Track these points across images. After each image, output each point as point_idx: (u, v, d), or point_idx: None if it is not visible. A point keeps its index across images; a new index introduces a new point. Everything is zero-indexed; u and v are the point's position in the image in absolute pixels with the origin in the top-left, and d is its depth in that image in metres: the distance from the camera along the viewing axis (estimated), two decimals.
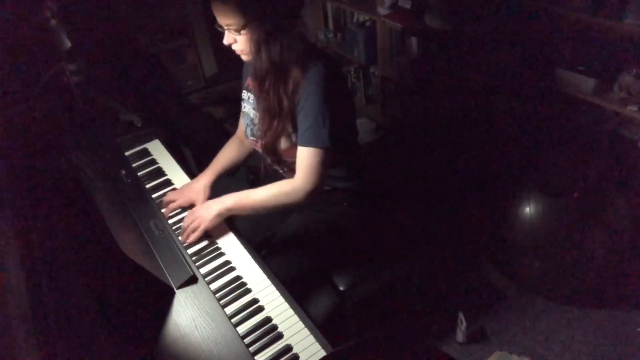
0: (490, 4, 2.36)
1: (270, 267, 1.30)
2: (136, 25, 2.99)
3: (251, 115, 1.48)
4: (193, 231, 1.36)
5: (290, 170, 1.43)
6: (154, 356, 1.06)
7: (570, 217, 1.76)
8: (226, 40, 1.29)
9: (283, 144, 1.39)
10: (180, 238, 1.38)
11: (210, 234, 1.39)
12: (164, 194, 1.57)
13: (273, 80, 1.29)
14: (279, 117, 1.33)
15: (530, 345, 1.85)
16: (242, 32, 1.23)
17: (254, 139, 1.49)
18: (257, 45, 1.24)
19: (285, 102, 1.30)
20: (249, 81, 1.48)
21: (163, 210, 1.49)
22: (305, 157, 1.29)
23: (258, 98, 1.38)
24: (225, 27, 1.26)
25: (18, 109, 1.76)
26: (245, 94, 1.53)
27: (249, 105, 1.50)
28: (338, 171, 1.47)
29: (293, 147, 1.36)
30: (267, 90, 1.31)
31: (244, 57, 1.34)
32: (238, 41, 1.27)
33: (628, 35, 2.04)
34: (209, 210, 1.36)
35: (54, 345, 0.83)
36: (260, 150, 1.45)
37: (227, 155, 1.63)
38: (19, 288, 0.91)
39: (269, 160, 1.46)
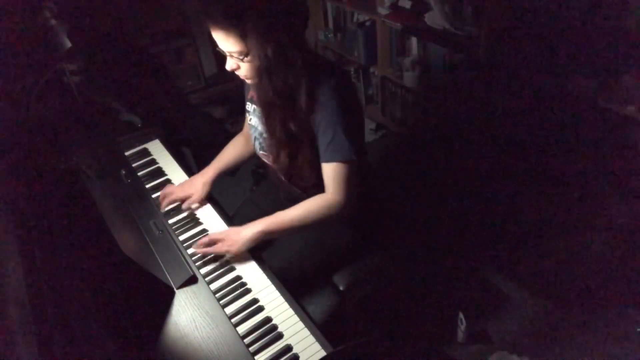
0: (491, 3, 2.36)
1: (270, 267, 1.30)
2: (136, 25, 3.00)
3: (259, 128, 1.44)
4: (221, 252, 1.30)
5: (301, 181, 1.40)
6: (154, 356, 1.06)
7: (570, 218, 1.76)
8: (229, 67, 1.25)
9: (299, 165, 1.35)
10: (195, 248, 1.32)
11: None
12: None
13: (279, 108, 1.25)
14: (287, 145, 1.30)
15: (530, 345, 1.85)
16: (245, 59, 1.19)
17: (264, 153, 1.45)
18: (259, 74, 1.20)
19: (294, 129, 1.26)
20: (252, 93, 1.45)
21: (159, 196, 1.49)
22: (333, 173, 1.26)
23: (265, 125, 1.33)
24: (227, 54, 1.22)
25: (18, 109, 1.76)
26: (249, 106, 1.49)
27: (255, 118, 1.46)
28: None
29: (306, 164, 1.33)
30: (274, 118, 1.27)
31: (249, 82, 1.31)
32: (241, 67, 1.23)
33: (628, 35, 2.04)
34: (240, 237, 1.29)
35: (53, 345, 0.83)
36: (273, 166, 1.43)
37: (231, 152, 1.62)
38: (19, 288, 0.91)
39: (283, 179, 1.43)
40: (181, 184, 1.54)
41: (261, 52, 1.14)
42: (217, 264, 1.31)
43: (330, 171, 1.27)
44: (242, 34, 1.14)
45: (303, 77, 1.19)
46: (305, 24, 1.22)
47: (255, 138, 1.48)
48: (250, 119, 1.49)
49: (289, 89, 1.21)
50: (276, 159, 1.36)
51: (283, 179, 1.44)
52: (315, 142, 1.28)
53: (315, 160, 1.30)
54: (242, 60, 1.20)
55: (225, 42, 1.17)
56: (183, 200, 1.50)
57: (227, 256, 1.31)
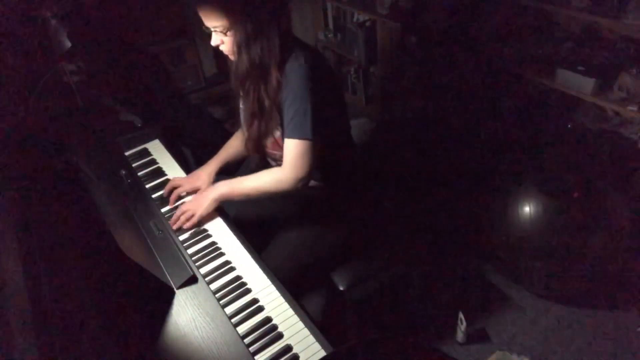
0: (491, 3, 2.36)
1: (270, 266, 1.30)
2: (136, 25, 2.99)
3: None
4: (188, 219, 1.41)
5: (279, 161, 1.46)
6: (154, 356, 1.06)
7: (570, 217, 1.76)
8: (213, 42, 1.33)
9: (268, 141, 1.44)
10: (170, 223, 1.43)
11: (206, 229, 1.43)
12: (164, 194, 1.57)
13: (254, 81, 1.33)
14: (260, 117, 1.38)
15: (530, 345, 1.85)
16: (228, 33, 1.28)
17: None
18: (239, 47, 1.28)
19: (267, 103, 1.34)
20: None
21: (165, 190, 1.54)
22: (290, 149, 1.32)
23: (242, 98, 1.42)
24: (212, 29, 1.30)
25: (18, 109, 1.76)
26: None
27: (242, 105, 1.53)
28: (329, 165, 1.49)
29: (276, 143, 1.42)
30: (248, 91, 1.36)
31: (232, 58, 1.38)
32: (225, 42, 1.32)
33: (628, 35, 2.04)
34: (205, 197, 1.42)
35: (53, 345, 0.83)
36: (247, 138, 1.49)
37: (234, 145, 1.65)
38: (19, 288, 0.91)
39: (256, 157, 1.51)
40: (187, 177, 1.58)
41: (242, 26, 1.24)
42: (217, 263, 1.31)
43: (288, 147, 1.33)
44: (225, 9, 1.23)
45: (277, 54, 1.28)
46: (285, 4, 1.30)
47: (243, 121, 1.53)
48: (242, 103, 1.53)
49: (264, 64, 1.29)
50: (249, 129, 1.43)
51: (256, 153, 1.50)
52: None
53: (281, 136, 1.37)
54: (225, 34, 1.28)
55: (210, 17, 1.26)
56: (190, 194, 1.54)
57: (196, 218, 1.40)
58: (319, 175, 1.52)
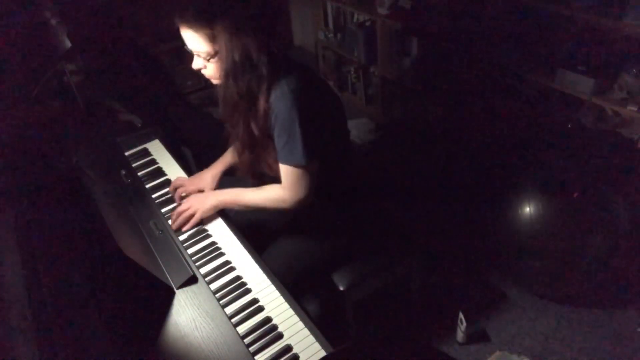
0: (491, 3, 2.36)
1: (270, 267, 1.30)
2: (136, 25, 2.99)
3: None
4: (187, 219, 1.41)
5: (274, 180, 1.43)
6: (154, 356, 1.06)
7: (570, 217, 1.76)
8: (195, 66, 1.28)
9: (262, 166, 1.41)
10: (170, 222, 1.43)
11: (205, 227, 1.44)
12: (164, 194, 1.57)
13: (242, 111, 1.28)
14: (250, 147, 1.34)
15: (530, 345, 1.85)
16: (212, 60, 1.23)
17: None
18: (226, 75, 1.23)
19: (257, 133, 1.29)
20: None
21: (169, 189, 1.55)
22: (286, 174, 1.30)
23: (229, 125, 1.38)
24: (195, 53, 1.25)
25: (18, 109, 1.76)
26: None
27: None
28: (328, 180, 1.44)
29: (271, 167, 1.38)
30: (237, 121, 1.31)
31: (214, 82, 1.33)
32: (208, 68, 1.27)
33: (628, 35, 2.04)
34: (206, 201, 1.42)
35: (54, 345, 0.83)
36: (239, 164, 1.47)
37: None
38: (19, 288, 0.92)
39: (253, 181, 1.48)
40: (192, 178, 1.58)
41: (228, 54, 1.18)
42: (217, 263, 1.31)
43: (284, 171, 1.31)
44: (211, 36, 1.18)
45: (265, 81, 1.22)
46: (274, 29, 1.25)
47: None
48: None
49: (252, 91, 1.24)
50: (240, 157, 1.42)
51: (250, 177, 1.48)
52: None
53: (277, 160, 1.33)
54: (208, 60, 1.24)
55: (194, 42, 1.21)
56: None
57: (195, 220, 1.41)
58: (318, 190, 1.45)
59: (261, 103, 1.24)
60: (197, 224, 1.43)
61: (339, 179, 1.50)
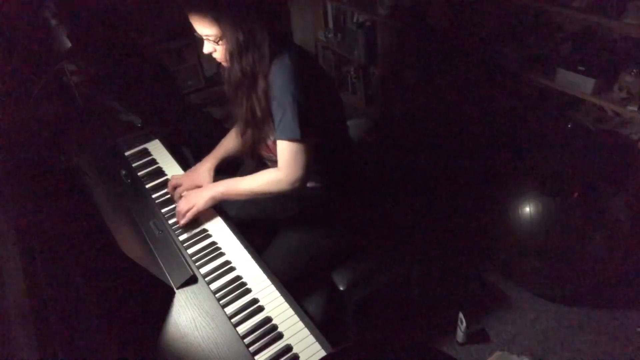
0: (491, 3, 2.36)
1: (270, 267, 1.30)
2: (136, 25, 2.99)
3: None
4: (184, 214, 1.42)
5: (274, 163, 1.46)
6: (154, 356, 1.06)
7: (570, 217, 1.76)
8: (206, 49, 1.34)
9: (262, 146, 1.45)
10: (170, 223, 1.44)
11: (202, 221, 1.45)
12: (164, 194, 1.57)
13: (245, 90, 1.34)
14: (253, 125, 1.39)
15: (530, 345, 1.85)
16: (220, 42, 1.29)
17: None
18: (231, 56, 1.29)
19: (258, 111, 1.35)
20: None
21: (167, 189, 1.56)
22: (282, 150, 1.32)
23: (233, 107, 1.43)
24: (204, 37, 1.30)
25: (18, 109, 1.76)
26: None
27: None
28: (326, 165, 1.50)
29: (271, 148, 1.43)
30: (241, 100, 1.37)
31: (224, 65, 1.38)
32: (217, 50, 1.32)
33: (628, 35, 2.04)
34: (202, 194, 1.43)
35: (54, 345, 0.83)
36: (242, 143, 1.51)
37: (231, 141, 1.65)
38: (19, 287, 0.92)
39: (252, 162, 1.52)
40: (186, 174, 1.58)
41: (233, 35, 1.25)
42: (217, 263, 1.31)
43: (280, 148, 1.33)
44: (216, 19, 1.24)
45: (267, 63, 1.29)
46: (277, 11, 1.29)
47: None
48: None
49: (254, 70, 1.30)
50: (243, 136, 1.46)
51: (252, 158, 1.52)
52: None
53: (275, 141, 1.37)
54: (217, 43, 1.29)
55: (202, 26, 1.27)
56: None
57: (191, 214, 1.41)
58: (317, 177, 1.52)
59: (262, 81, 1.30)
60: (195, 221, 1.44)
61: (337, 164, 1.54)
